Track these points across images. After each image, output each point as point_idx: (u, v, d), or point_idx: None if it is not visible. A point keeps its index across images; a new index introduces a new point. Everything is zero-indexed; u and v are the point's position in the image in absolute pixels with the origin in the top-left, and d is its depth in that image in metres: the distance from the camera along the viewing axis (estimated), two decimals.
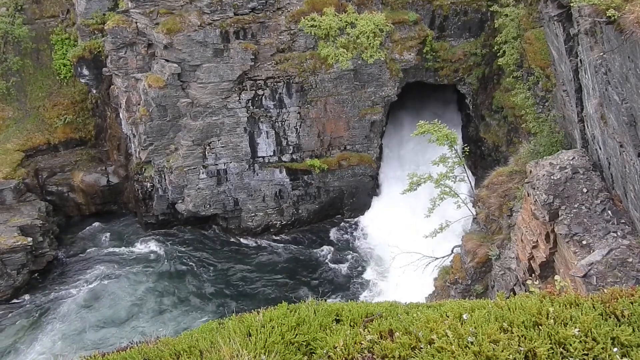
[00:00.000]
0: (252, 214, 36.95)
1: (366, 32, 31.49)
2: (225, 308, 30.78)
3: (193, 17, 31.06)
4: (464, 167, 29.56)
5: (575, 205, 16.91)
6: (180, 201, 36.03)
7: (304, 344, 6.05)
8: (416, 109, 39.21)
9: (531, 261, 19.22)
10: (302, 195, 37.10)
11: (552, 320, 5.74)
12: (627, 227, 16.02)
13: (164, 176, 35.49)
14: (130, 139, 36.10)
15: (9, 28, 36.01)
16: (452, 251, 26.17)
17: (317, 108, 34.34)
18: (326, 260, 35.34)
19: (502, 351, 5.31)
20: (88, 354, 6.73)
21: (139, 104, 33.77)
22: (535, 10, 26.88)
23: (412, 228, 32.23)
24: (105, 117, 37.72)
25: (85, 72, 35.99)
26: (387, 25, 32.10)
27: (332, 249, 36.24)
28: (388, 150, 39.32)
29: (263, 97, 33.62)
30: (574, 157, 18.19)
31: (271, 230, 37.49)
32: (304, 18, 31.50)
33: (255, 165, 35.63)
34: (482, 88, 35.18)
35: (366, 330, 6.09)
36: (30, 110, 37.50)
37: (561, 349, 5.38)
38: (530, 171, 18.65)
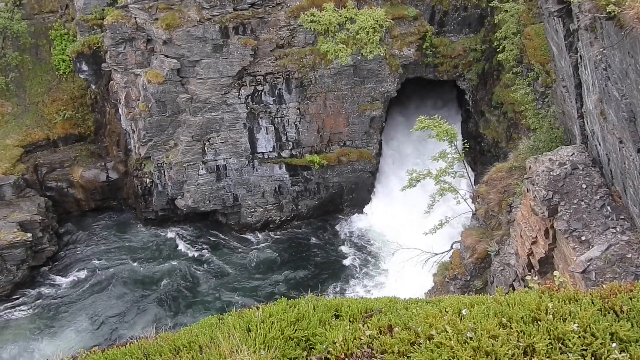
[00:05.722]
0: (252, 210, 36.96)
1: (366, 27, 31.42)
2: (224, 304, 30.82)
3: (192, 12, 31.00)
4: (464, 163, 29.57)
5: (575, 201, 16.92)
6: (179, 197, 36.03)
7: (304, 339, 6.06)
8: (416, 105, 39.20)
9: (530, 257, 19.26)
10: (301, 191, 37.11)
11: (551, 316, 5.75)
12: (626, 223, 16.04)
13: (164, 172, 35.48)
14: (129, 134, 36.07)
15: (7, 23, 35.88)
16: (451, 247, 26.21)
17: (316, 104, 34.30)
18: (326, 257, 35.37)
19: (501, 346, 5.32)
20: (88, 350, 6.74)
21: (138, 100, 33.73)
22: (535, 5, 26.85)
23: (412, 224, 32.32)
24: (104, 113, 37.66)
25: (85, 67, 35.91)
26: (387, 21, 32.02)
27: (332, 245, 36.28)
28: (387, 146, 39.30)
29: (262, 93, 33.59)
30: (573, 153, 18.19)
31: (270, 226, 37.50)
32: (303, 13, 31.41)
33: (255, 161, 35.62)
34: (482, 84, 35.15)
35: (365, 325, 6.10)
36: (29, 106, 37.42)
37: (560, 344, 5.39)
38: (530, 167, 18.65)
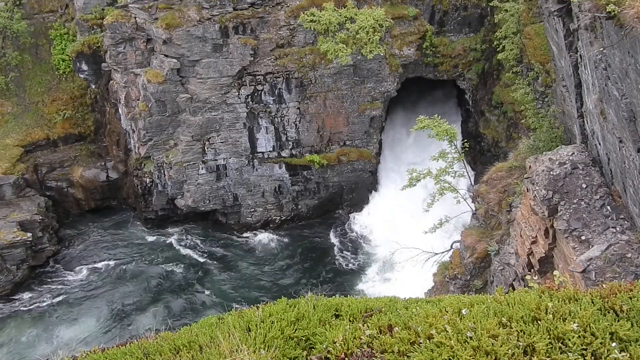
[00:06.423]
0: (252, 210, 36.96)
1: (366, 27, 31.42)
2: (224, 303, 30.82)
3: (192, 12, 30.99)
4: (464, 163, 29.54)
5: (575, 201, 16.92)
6: (179, 197, 36.02)
7: (304, 339, 6.06)
8: (415, 105, 39.19)
9: (530, 256, 19.26)
10: (301, 191, 37.10)
11: (551, 315, 5.75)
12: (626, 222, 16.04)
13: (164, 172, 35.47)
14: (129, 134, 36.07)
15: (7, 23, 35.89)
16: (451, 246, 26.19)
17: (316, 103, 34.30)
18: (325, 256, 35.37)
19: (501, 346, 5.32)
20: (88, 349, 6.74)
21: (138, 99, 33.72)
22: (535, 5, 26.84)
23: (412, 223, 32.30)
24: (104, 113, 37.66)
25: (84, 67, 35.89)
26: (387, 21, 32.02)
27: (331, 244, 36.27)
28: (387, 145, 39.29)
29: (262, 93, 33.59)
30: (573, 153, 18.19)
31: (270, 225, 37.51)
32: (303, 13, 31.42)
33: (255, 160, 35.62)
34: (482, 83, 35.14)
35: (365, 325, 6.10)
36: (29, 106, 37.43)
37: (560, 344, 5.39)
38: (530, 167, 18.65)
